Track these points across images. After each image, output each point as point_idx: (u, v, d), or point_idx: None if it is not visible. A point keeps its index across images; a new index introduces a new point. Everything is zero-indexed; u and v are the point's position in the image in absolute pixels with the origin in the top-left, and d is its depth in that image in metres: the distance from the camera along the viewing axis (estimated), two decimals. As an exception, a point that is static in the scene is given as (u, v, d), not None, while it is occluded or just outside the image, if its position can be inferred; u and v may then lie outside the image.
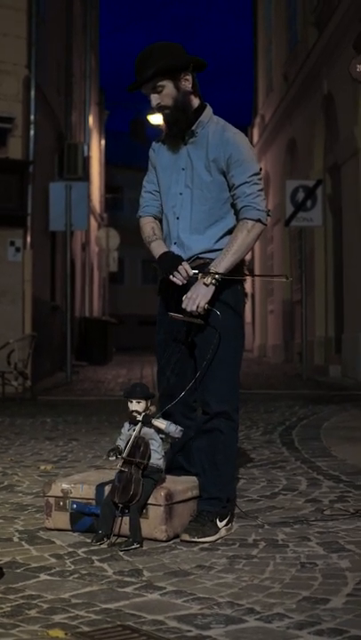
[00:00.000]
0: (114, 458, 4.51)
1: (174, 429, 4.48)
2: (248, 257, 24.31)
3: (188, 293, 4.51)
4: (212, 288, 4.49)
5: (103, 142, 39.13)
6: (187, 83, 4.61)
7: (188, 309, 4.48)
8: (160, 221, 4.85)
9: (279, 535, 4.51)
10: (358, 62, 6.78)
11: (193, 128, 4.65)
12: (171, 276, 4.57)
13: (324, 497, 5.52)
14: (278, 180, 25.35)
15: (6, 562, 4.05)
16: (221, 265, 4.50)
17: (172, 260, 4.61)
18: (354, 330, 16.83)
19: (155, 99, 4.59)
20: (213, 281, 4.48)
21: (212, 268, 4.50)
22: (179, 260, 4.59)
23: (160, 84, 4.55)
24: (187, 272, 4.55)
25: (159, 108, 4.61)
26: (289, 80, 24.01)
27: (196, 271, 4.56)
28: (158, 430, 4.47)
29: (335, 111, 18.72)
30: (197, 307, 4.46)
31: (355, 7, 16.43)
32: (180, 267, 4.56)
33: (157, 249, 4.73)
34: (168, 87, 4.56)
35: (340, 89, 18.06)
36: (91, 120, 29.91)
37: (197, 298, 4.47)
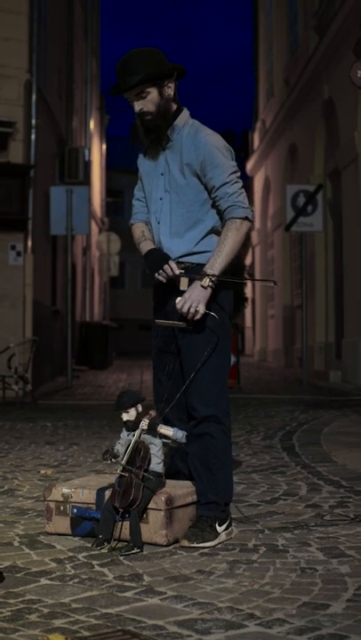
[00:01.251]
0: (108, 461, 4.51)
1: (181, 435, 4.48)
2: (248, 261, 24.35)
3: (186, 294, 4.50)
4: (209, 290, 4.49)
5: (104, 147, 39.18)
6: (169, 90, 4.65)
7: (184, 310, 4.48)
8: (150, 228, 4.89)
9: (279, 540, 4.51)
10: (359, 67, 6.79)
11: (168, 133, 4.67)
12: (156, 274, 4.60)
13: (325, 502, 5.52)
14: (279, 185, 25.37)
15: (7, 566, 4.05)
16: (216, 266, 4.51)
17: (158, 258, 4.64)
18: (354, 335, 16.84)
19: (138, 105, 4.62)
20: (210, 283, 4.48)
21: (208, 270, 4.50)
22: (165, 258, 4.62)
23: (146, 90, 4.58)
24: (172, 270, 4.56)
25: (141, 114, 4.63)
26: (290, 85, 24.05)
27: (183, 271, 4.57)
28: (165, 437, 4.47)
29: (336, 116, 18.75)
30: (196, 310, 4.46)
31: (355, 12, 16.44)
32: (165, 265, 4.58)
33: (145, 247, 4.78)
34: (152, 94, 4.60)
35: (341, 94, 18.08)
36: (92, 125, 29.94)
37: (194, 301, 4.47)
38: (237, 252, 4.62)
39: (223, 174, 4.57)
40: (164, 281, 4.60)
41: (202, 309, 4.47)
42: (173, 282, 4.58)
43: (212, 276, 4.48)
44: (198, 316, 4.47)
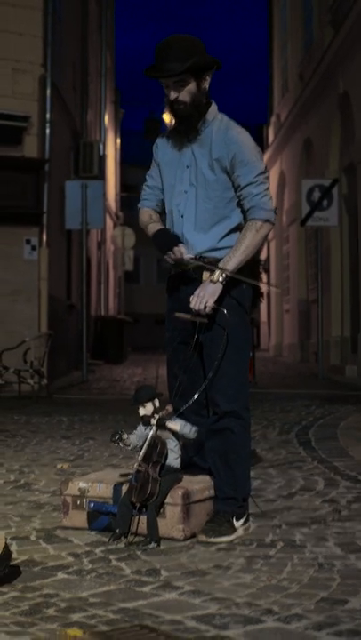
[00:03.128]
0: (117, 444, 4.51)
1: (189, 430, 4.47)
2: (263, 256, 24.26)
3: (196, 291, 4.50)
4: (219, 286, 4.48)
5: (118, 141, 39.14)
6: (206, 82, 4.60)
7: (196, 308, 4.48)
8: (159, 214, 4.87)
9: (297, 535, 4.50)
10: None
11: (198, 125, 4.64)
12: (165, 256, 4.59)
13: (342, 497, 5.51)
14: (294, 180, 25.31)
15: (24, 560, 4.05)
16: (230, 263, 4.50)
17: (168, 238, 4.63)
18: (370, 329, 16.78)
19: (174, 92, 4.55)
20: (221, 279, 4.47)
21: (221, 266, 4.49)
22: (175, 239, 4.61)
23: (186, 80, 4.52)
24: (182, 254, 4.55)
25: (176, 102, 4.57)
26: (304, 79, 23.98)
27: (192, 256, 4.56)
28: (173, 432, 4.47)
29: (351, 110, 18.68)
30: (205, 305, 4.45)
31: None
32: (175, 247, 4.57)
33: (154, 228, 4.76)
34: (191, 84, 4.53)
35: (356, 88, 18.02)
36: (106, 119, 29.92)
37: (205, 296, 4.47)
38: (255, 251, 4.60)
39: (251, 173, 4.54)
40: (171, 262, 4.61)
41: (211, 303, 4.46)
42: (183, 272, 4.58)
43: (224, 270, 4.46)
44: (208, 310, 4.46)
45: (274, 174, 30.20)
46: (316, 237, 18.73)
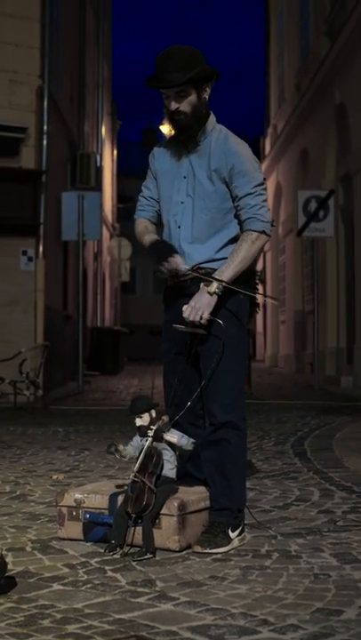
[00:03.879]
0: (113, 455, 4.52)
1: (186, 442, 4.47)
2: (260, 266, 24.32)
3: (191, 302, 4.49)
4: (215, 297, 4.48)
5: (115, 152, 39.18)
6: (206, 93, 4.61)
7: (191, 319, 4.47)
8: (154, 225, 4.87)
9: (292, 546, 4.50)
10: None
11: (197, 136, 4.65)
12: (160, 266, 4.58)
13: (337, 508, 5.51)
14: (290, 191, 25.36)
15: (19, 571, 4.05)
16: (225, 274, 4.49)
17: (164, 248, 4.62)
18: (366, 340, 16.79)
19: (175, 103, 4.55)
20: (217, 290, 4.47)
21: (217, 277, 4.49)
22: (171, 249, 4.60)
23: (187, 90, 4.53)
24: (177, 264, 4.55)
25: (176, 113, 4.57)
26: (301, 90, 24.04)
27: (188, 267, 4.56)
28: (170, 444, 4.47)
29: (347, 121, 18.74)
30: (201, 317, 4.45)
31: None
32: (171, 258, 4.56)
33: (149, 238, 4.75)
34: (192, 95, 4.54)
35: (353, 99, 18.08)
36: (103, 130, 29.97)
37: (201, 308, 4.46)
38: (250, 263, 4.60)
39: (249, 184, 4.55)
40: (166, 273, 4.60)
41: (207, 315, 4.46)
42: (179, 282, 4.58)
43: (221, 282, 4.46)
44: (204, 322, 4.46)
45: (270, 185, 30.23)
46: (312, 248, 18.77)
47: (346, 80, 18.63)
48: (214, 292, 4.46)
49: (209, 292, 4.47)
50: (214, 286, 4.46)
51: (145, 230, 4.84)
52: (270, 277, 29.90)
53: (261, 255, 31.21)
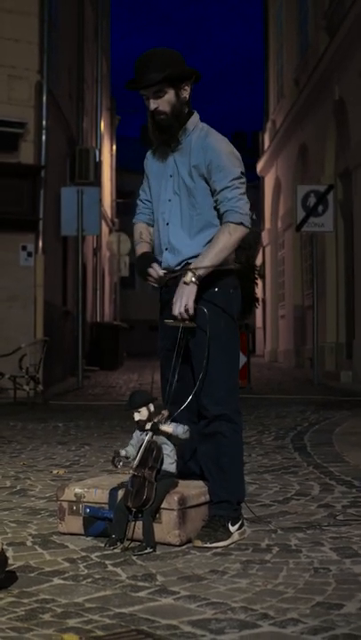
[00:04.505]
0: (119, 465, 4.53)
1: (182, 431, 4.47)
2: (259, 261, 24.31)
3: (174, 297, 4.54)
4: (193, 286, 4.51)
5: (114, 147, 39.16)
6: (185, 93, 4.68)
7: (176, 312, 4.51)
8: (152, 227, 4.92)
9: (292, 540, 4.51)
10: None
11: (178, 135, 4.69)
12: (146, 280, 4.70)
13: (337, 502, 5.52)
14: (289, 186, 25.36)
15: (20, 566, 4.06)
16: (202, 264, 4.53)
17: (144, 262, 4.74)
18: (365, 335, 16.79)
19: (153, 103, 4.63)
20: (193, 279, 4.50)
21: (192, 267, 4.53)
22: (149, 261, 4.71)
23: (164, 90, 4.60)
24: (156, 272, 4.65)
25: (156, 113, 4.65)
26: (300, 85, 24.02)
27: (165, 271, 4.64)
28: (167, 435, 4.47)
29: (346, 116, 18.72)
30: (185, 308, 4.48)
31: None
32: (149, 269, 4.67)
33: (139, 250, 4.89)
34: (170, 94, 4.62)
35: (352, 94, 18.07)
36: (102, 125, 29.95)
37: (183, 299, 4.50)
38: (229, 254, 4.63)
39: (225, 179, 4.59)
40: (156, 285, 4.72)
41: (191, 304, 4.49)
42: (173, 283, 4.62)
43: (196, 269, 4.50)
44: (191, 312, 4.49)
45: (269, 180, 30.23)
46: (311, 243, 18.77)
47: (345, 75, 18.61)
48: (191, 282, 4.50)
49: (185, 282, 4.51)
50: (189, 276, 4.50)
51: (139, 238, 4.96)
52: (270, 272, 29.89)
53: (261, 250, 31.29)
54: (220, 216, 4.65)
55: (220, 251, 4.55)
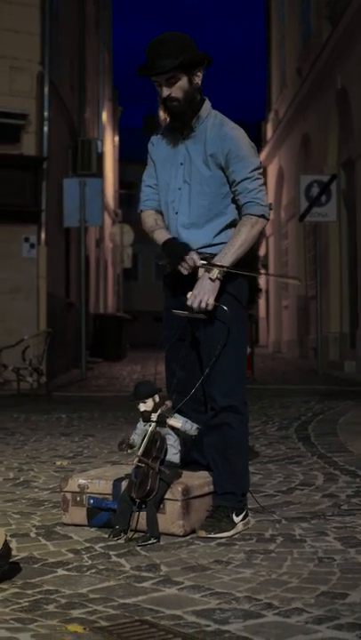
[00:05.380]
0: (125, 452, 4.53)
1: (190, 427, 4.47)
2: (262, 252, 24.21)
3: (195, 290, 4.47)
4: (217, 283, 4.47)
5: (117, 138, 39.15)
6: (198, 78, 4.61)
7: (195, 306, 4.46)
8: (162, 214, 4.84)
9: (296, 530, 4.50)
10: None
11: (191, 122, 4.64)
12: (178, 266, 4.56)
13: (341, 492, 5.51)
14: (292, 175, 25.31)
15: (24, 557, 4.05)
16: (226, 259, 4.48)
17: (178, 248, 4.59)
18: (369, 325, 16.78)
19: (167, 89, 4.55)
20: (219, 276, 4.46)
21: (218, 262, 4.48)
22: (186, 248, 4.57)
23: (177, 76, 4.53)
24: (194, 262, 4.53)
25: (168, 99, 4.57)
26: (302, 75, 23.96)
27: (205, 262, 4.53)
28: (174, 429, 4.47)
29: (349, 106, 18.68)
30: (206, 304, 4.44)
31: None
32: (187, 256, 4.53)
33: (161, 236, 4.72)
34: (183, 80, 4.54)
35: (354, 83, 18.02)
36: (104, 116, 29.92)
37: (204, 294, 4.45)
38: (250, 247, 4.59)
39: (246, 169, 4.54)
40: (186, 272, 4.55)
41: (212, 301, 4.45)
42: (192, 273, 4.56)
43: (222, 267, 4.45)
44: (210, 308, 4.45)
45: (272, 170, 30.19)
46: (314, 233, 18.74)
47: (347, 64, 18.57)
48: (216, 278, 4.46)
49: (211, 279, 4.46)
50: (216, 272, 4.45)
51: (155, 225, 4.80)
52: (273, 262, 29.88)
53: (264, 240, 31.24)
54: (237, 207, 4.61)
55: (242, 244, 4.52)
